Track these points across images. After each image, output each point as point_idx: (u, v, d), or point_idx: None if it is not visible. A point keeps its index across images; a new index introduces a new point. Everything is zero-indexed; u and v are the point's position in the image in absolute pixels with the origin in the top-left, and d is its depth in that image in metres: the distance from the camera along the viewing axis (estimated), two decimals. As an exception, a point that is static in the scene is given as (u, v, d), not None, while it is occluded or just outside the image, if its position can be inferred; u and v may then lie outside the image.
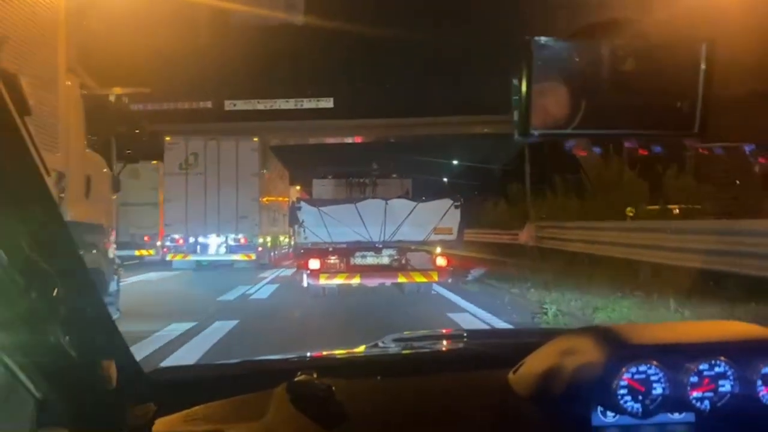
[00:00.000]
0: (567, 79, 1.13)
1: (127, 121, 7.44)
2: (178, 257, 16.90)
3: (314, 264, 9.85)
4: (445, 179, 37.61)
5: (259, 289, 12.49)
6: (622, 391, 1.01)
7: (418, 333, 2.09)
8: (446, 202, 10.16)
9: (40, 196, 0.90)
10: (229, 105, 36.22)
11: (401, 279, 10.03)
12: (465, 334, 2.19)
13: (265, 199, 18.06)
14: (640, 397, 1.01)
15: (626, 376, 1.01)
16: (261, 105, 37.34)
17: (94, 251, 6.38)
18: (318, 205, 10.16)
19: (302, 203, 10.23)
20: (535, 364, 1.15)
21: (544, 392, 1.07)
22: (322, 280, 9.77)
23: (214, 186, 16.70)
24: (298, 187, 26.20)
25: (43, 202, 0.90)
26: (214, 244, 17.05)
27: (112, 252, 7.15)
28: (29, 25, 5.37)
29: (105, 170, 6.98)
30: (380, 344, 1.80)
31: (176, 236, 17.22)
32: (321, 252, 9.96)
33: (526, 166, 21.85)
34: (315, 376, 1.16)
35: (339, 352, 1.71)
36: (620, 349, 1.03)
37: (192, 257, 16.93)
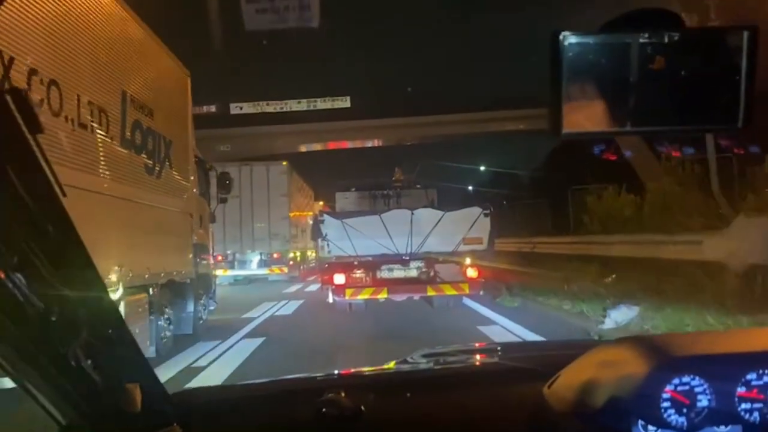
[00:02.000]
0: (599, 74, 1.09)
1: (204, 164, 10.21)
2: (223, 272, 18.63)
3: (339, 279, 9.84)
4: (470, 187, 36.23)
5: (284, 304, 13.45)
6: (666, 404, 0.99)
7: (448, 347, 2.08)
8: (475, 211, 10.07)
9: (57, 217, 0.89)
10: (234, 108, 34.41)
11: (430, 292, 9.92)
12: (497, 348, 2.18)
13: (292, 215, 20.25)
14: (685, 410, 0.99)
15: (669, 388, 0.99)
16: (270, 107, 35.42)
17: (204, 262, 9.64)
18: (341, 218, 10.14)
19: (325, 216, 10.23)
20: (571, 376, 1.13)
21: (582, 406, 1.05)
22: (348, 296, 9.75)
23: (248, 207, 19.15)
24: (321, 203, 27.62)
25: (60, 223, 0.89)
26: (250, 260, 19.74)
27: (213, 264, 10.82)
28: (173, 97, 8.20)
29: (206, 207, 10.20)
30: (409, 360, 1.80)
31: (217, 254, 18.82)
32: (346, 266, 9.98)
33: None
34: (343, 395, 1.17)
35: (367, 370, 1.71)
36: (663, 360, 1.02)
37: (230, 272, 19.24)
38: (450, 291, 9.90)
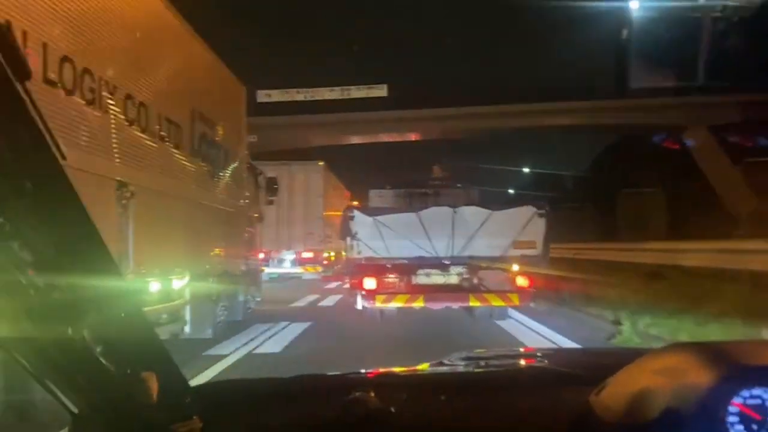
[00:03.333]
0: (670, 35, 1.16)
1: (253, 169, 11.09)
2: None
3: (369, 283, 9.01)
4: (511, 190, 33.78)
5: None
6: (732, 419, 0.91)
7: (487, 350, 2.00)
8: (527, 210, 9.08)
9: (62, 190, 0.81)
10: (262, 96, 32.59)
11: (473, 302, 9.01)
12: (539, 353, 2.07)
13: (326, 214, 20.64)
14: (755, 426, 0.92)
15: (737, 401, 0.92)
16: (300, 95, 33.73)
17: (253, 258, 10.69)
18: (374, 215, 9.24)
19: (355, 212, 9.35)
20: (621, 384, 1.04)
21: (632, 416, 0.97)
22: (379, 303, 8.98)
23: (284, 206, 19.41)
24: (356, 203, 27.78)
25: (65, 195, 0.81)
26: (286, 259, 20.59)
27: (260, 259, 12.43)
28: (231, 110, 9.11)
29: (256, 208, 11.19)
30: (446, 362, 1.72)
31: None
32: (377, 269, 9.10)
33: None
34: (372, 394, 1.13)
35: (399, 370, 1.60)
36: (731, 369, 0.94)
37: (266, 270, 19.97)
38: (496, 301, 8.95)
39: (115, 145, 5.06)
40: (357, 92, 33.30)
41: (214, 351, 7.37)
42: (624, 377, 1.06)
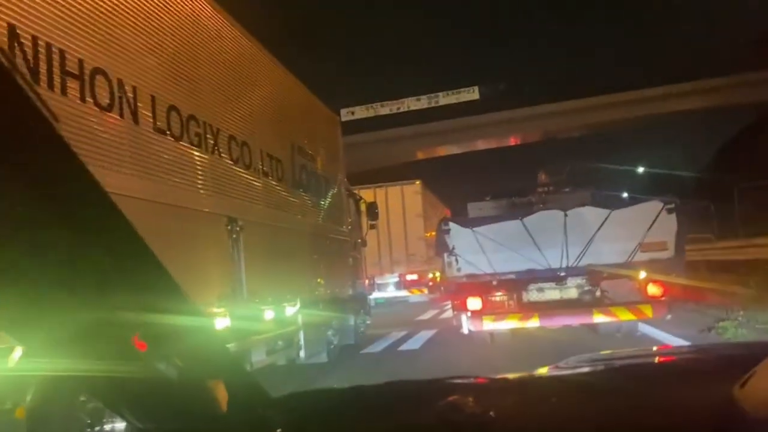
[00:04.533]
0: None
1: (354, 195, 11.38)
2: None
3: (474, 304, 8.16)
4: (625, 194, 30.29)
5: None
6: None
7: (611, 352, 1.81)
8: (654, 206, 8.02)
9: (118, 224, 0.79)
10: (345, 114, 30.36)
11: (598, 317, 7.93)
12: (669, 351, 1.84)
13: (429, 234, 20.09)
14: None
15: None
16: (386, 108, 32.07)
17: (360, 282, 10.86)
18: (472, 225, 8.44)
19: (451, 224, 8.59)
20: None
21: None
22: (487, 324, 8.14)
23: (385, 230, 19.29)
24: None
25: (100, 201, 0.78)
26: (390, 283, 20.26)
27: (366, 283, 12.67)
28: (328, 141, 9.48)
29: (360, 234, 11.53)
30: (562, 365, 1.57)
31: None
32: (481, 287, 8.26)
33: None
34: (471, 399, 1.05)
35: (505, 376, 1.46)
36: None
37: (372, 295, 20.19)
38: (625, 315, 7.86)
39: (222, 184, 5.42)
40: (446, 98, 31.19)
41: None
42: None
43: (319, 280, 8.22)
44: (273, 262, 6.55)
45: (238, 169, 5.74)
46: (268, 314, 6.33)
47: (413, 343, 10.05)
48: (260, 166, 6.28)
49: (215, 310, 5.08)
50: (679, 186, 29.87)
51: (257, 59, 6.64)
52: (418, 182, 20.88)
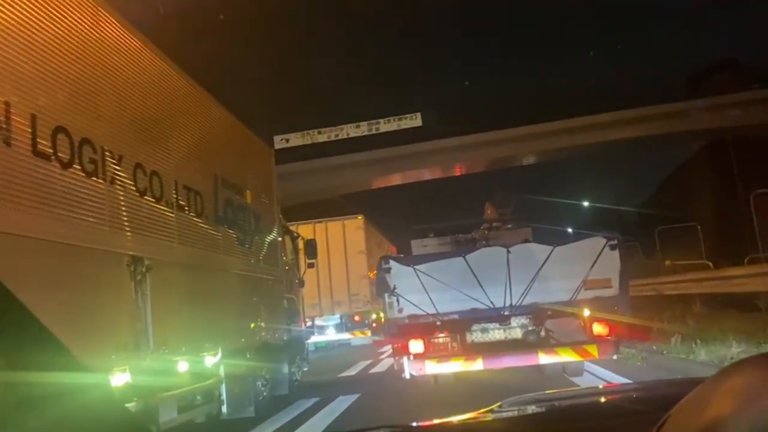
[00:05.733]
0: None
1: (290, 232, 10.93)
2: None
3: (416, 346, 7.82)
4: (570, 229, 28.43)
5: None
6: None
7: (541, 394, 1.85)
8: (597, 242, 7.89)
9: None
10: (279, 142, 28.86)
11: (543, 358, 7.68)
12: (595, 392, 2.00)
13: (372, 274, 19.04)
14: None
15: None
16: (323, 135, 30.01)
17: (296, 326, 9.99)
18: (413, 263, 8.13)
19: (392, 262, 8.21)
20: (686, 415, 0.92)
21: None
22: (431, 367, 7.78)
23: (325, 268, 18.18)
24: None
25: None
26: (331, 325, 18.89)
27: (304, 327, 11.33)
28: (259, 174, 8.77)
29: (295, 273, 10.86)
30: (497, 409, 1.60)
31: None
32: (424, 328, 7.96)
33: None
34: None
35: (448, 420, 1.50)
36: None
37: (310, 339, 18.51)
38: (571, 355, 7.63)
39: (124, 218, 4.77)
40: (387, 125, 29.54)
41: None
42: (689, 405, 0.92)
43: (246, 325, 7.50)
44: (189, 307, 5.86)
45: (145, 201, 5.09)
46: (181, 366, 5.63)
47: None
48: (175, 199, 5.63)
49: (111, 364, 4.41)
50: (618, 222, 30.38)
51: (173, 82, 6.04)
52: (360, 217, 19.69)
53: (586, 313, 7.68)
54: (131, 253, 4.78)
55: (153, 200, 5.21)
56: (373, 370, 12.71)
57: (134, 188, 4.91)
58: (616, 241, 7.84)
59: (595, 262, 7.71)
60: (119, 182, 4.69)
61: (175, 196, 5.65)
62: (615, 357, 7.85)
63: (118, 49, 4.93)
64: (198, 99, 6.70)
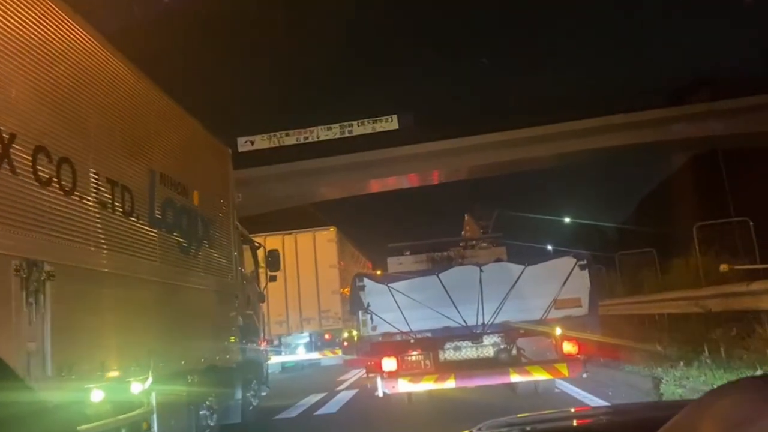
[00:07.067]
0: None
1: (250, 241, 9.94)
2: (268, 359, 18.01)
3: (389, 365, 7.89)
4: (549, 246, 27.34)
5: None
6: None
7: (519, 417, 1.88)
8: (566, 262, 8.15)
9: None
10: (243, 144, 27.16)
11: (514, 376, 7.79)
12: (578, 414, 2.02)
13: (345, 290, 18.24)
14: None
15: None
16: (291, 138, 28.16)
17: (253, 346, 8.99)
18: (387, 281, 8.31)
19: (365, 280, 8.36)
20: None
21: None
22: (403, 385, 7.85)
23: (294, 282, 17.38)
24: (378, 272, 25.31)
25: None
26: (299, 344, 17.89)
27: (264, 346, 10.06)
28: (212, 176, 8.06)
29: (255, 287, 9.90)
30: (477, 430, 1.67)
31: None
32: (397, 346, 8.11)
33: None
34: None
35: None
36: None
37: (277, 359, 17.61)
38: (541, 374, 7.75)
39: (16, 213, 3.85)
40: (361, 128, 27.80)
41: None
42: (674, 429, 0.94)
43: (188, 345, 6.51)
44: (109, 325, 4.92)
45: (49, 194, 4.18)
46: (96, 395, 4.68)
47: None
48: (93, 193, 4.69)
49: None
50: (605, 242, 30.00)
51: (96, 53, 5.05)
52: (332, 228, 18.62)
53: (558, 331, 7.82)
54: (24, 255, 3.85)
55: (60, 193, 4.28)
56: (318, 411, 10.09)
57: (32, 175, 3.99)
58: (585, 261, 8.10)
59: (565, 281, 7.96)
60: (6, 166, 3.77)
61: (94, 189, 4.71)
62: (584, 375, 7.94)
63: None
64: (132, 81, 5.77)
